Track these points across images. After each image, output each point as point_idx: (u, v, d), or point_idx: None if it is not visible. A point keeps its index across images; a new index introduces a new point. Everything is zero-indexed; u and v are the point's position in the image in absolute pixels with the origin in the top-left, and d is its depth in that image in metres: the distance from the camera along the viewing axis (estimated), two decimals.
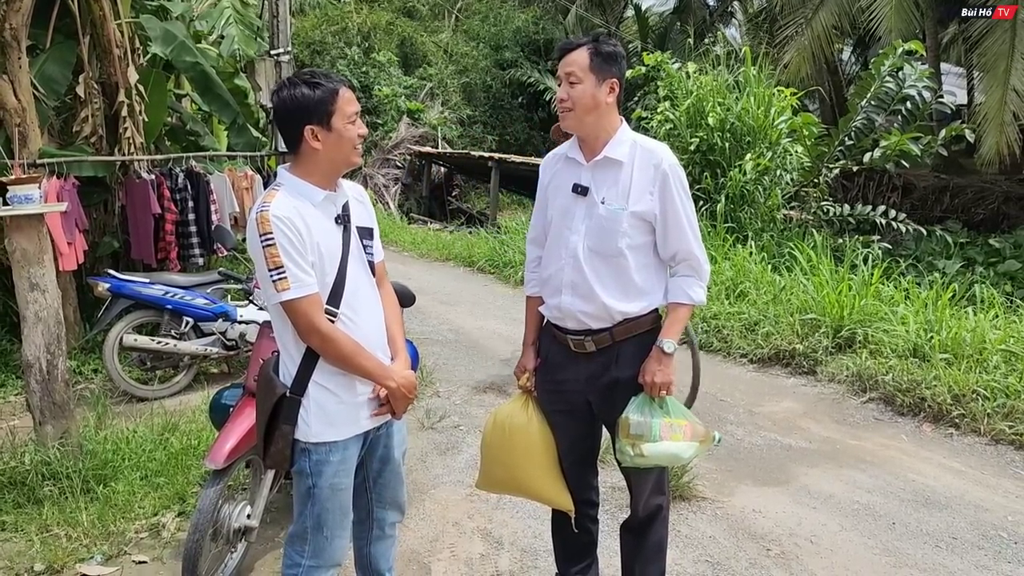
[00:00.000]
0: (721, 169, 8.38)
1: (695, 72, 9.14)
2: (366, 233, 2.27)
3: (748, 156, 8.07)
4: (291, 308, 2.05)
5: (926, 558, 3.21)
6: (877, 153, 8.29)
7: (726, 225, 7.92)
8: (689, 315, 2.42)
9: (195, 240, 6.41)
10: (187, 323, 5.30)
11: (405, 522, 2.85)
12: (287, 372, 2.16)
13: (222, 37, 7.42)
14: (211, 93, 6.69)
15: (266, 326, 3.01)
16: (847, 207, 8.37)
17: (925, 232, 8.85)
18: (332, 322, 2.09)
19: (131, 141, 6.09)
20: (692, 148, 8.38)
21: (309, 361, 2.12)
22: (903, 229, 8.18)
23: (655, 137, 4.93)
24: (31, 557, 3.15)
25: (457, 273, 10.28)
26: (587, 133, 2.34)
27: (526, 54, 19.54)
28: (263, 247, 2.02)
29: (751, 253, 7.46)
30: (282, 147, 7.22)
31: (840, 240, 8.05)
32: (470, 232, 12.70)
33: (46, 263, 3.69)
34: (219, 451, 2.73)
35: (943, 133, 8.35)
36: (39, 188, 3.86)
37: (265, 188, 6.83)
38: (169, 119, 7.17)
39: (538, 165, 2.70)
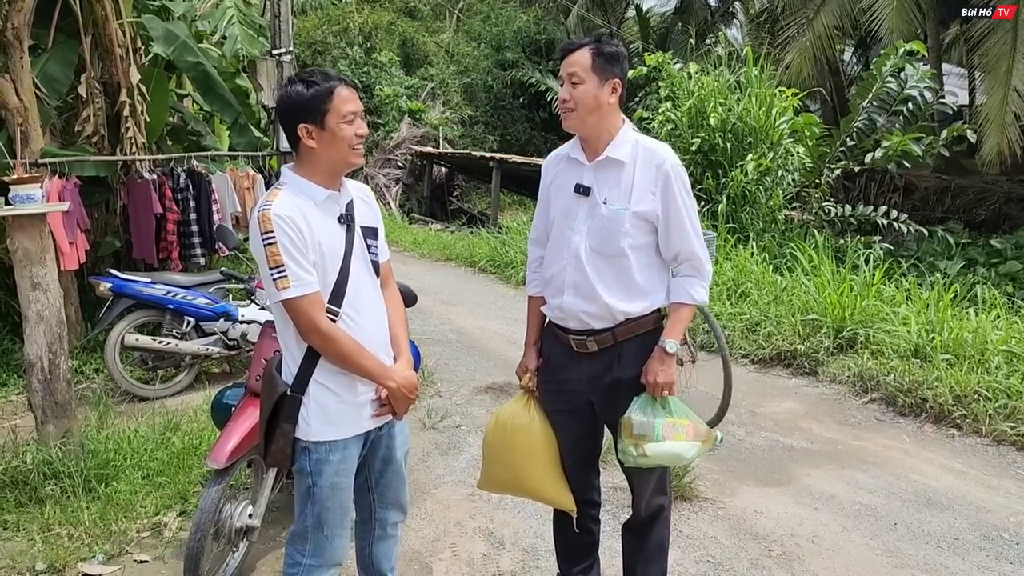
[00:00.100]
0: (723, 169, 8.38)
1: (696, 72, 9.15)
2: (370, 233, 2.26)
3: (749, 156, 8.07)
4: (291, 307, 2.05)
5: (928, 559, 3.20)
6: (879, 153, 8.30)
7: (727, 225, 7.92)
8: (691, 315, 2.42)
9: (197, 240, 6.42)
10: (188, 323, 5.31)
11: (407, 522, 2.85)
12: (289, 371, 2.17)
13: (224, 38, 7.42)
14: (213, 93, 6.70)
15: (268, 326, 3.01)
16: (848, 208, 8.38)
17: (926, 233, 8.85)
18: (334, 321, 2.10)
19: (133, 141, 6.09)
20: (694, 148, 8.38)
21: (310, 360, 2.13)
22: (904, 230, 8.18)
23: (657, 137, 4.93)
24: (33, 556, 3.15)
25: (458, 273, 10.29)
26: (589, 133, 2.34)
27: (527, 54, 19.54)
28: (264, 245, 2.03)
29: (752, 254, 7.46)
30: (283, 147, 7.23)
31: (841, 241, 8.06)
32: (471, 232, 12.70)
33: (48, 262, 3.70)
34: (221, 451, 2.73)
35: (944, 134, 8.36)
36: (41, 188, 3.86)
37: (267, 188, 6.85)
38: (171, 119, 7.18)
39: (539, 165, 2.70)
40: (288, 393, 2.14)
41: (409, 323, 2.47)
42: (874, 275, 6.32)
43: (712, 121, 8.27)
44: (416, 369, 2.60)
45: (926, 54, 9.46)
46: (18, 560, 3.13)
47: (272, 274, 2.03)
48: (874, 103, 8.60)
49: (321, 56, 18.55)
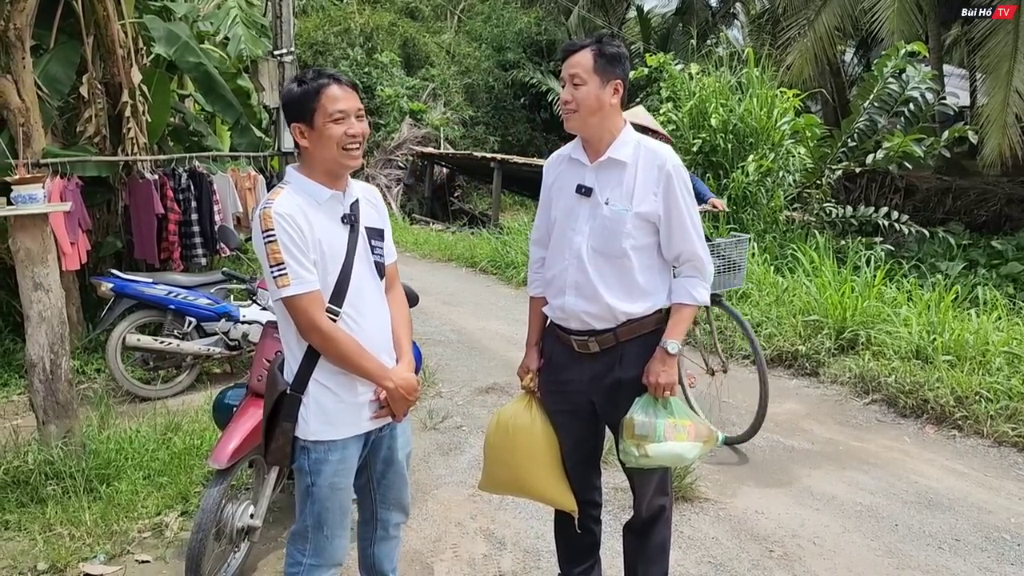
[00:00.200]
0: (724, 170, 8.37)
1: (698, 73, 9.15)
2: (375, 234, 2.26)
3: (751, 157, 8.06)
4: (291, 305, 2.06)
5: (929, 560, 3.20)
6: (880, 155, 8.28)
7: (728, 226, 7.91)
8: (693, 315, 2.42)
9: (198, 240, 6.42)
10: (190, 323, 5.31)
11: (408, 522, 2.86)
12: (290, 369, 2.18)
13: (227, 39, 7.42)
14: (214, 93, 6.70)
15: (269, 326, 3.02)
16: (849, 208, 8.36)
17: (927, 234, 8.83)
18: (334, 321, 2.10)
19: (134, 141, 6.09)
20: (695, 149, 8.38)
21: (310, 359, 2.13)
22: (905, 231, 8.17)
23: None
24: (34, 556, 3.15)
25: (459, 274, 10.29)
26: (591, 134, 2.34)
27: (528, 55, 19.56)
28: (265, 243, 2.04)
29: (753, 254, 7.45)
30: (284, 147, 7.24)
31: (843, 242, 8.05)
32: (472, 233, 12.70)
33: (50, 263, 3.70)
34: (222, 451, 2.73)
35: (946, 135, 8.34)
36: (43, 188, 3.86)
37: (268, 188, 6.87)
38: (172, 119, 7.18)
39: (540, 166, 2.71)
40: (288, 392, 2.15)
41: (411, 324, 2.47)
42: (875, 276, 6.32)
43: (713, 122, 8.27)
44: (417, 371, 2.60)
45: (927, 55, 9.45)
46: (19, 560, 3.14)
47: (272, 272, 2.04)
48: (875, 104, 8.58)
49: (322, 57, 18.56)
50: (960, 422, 4.54)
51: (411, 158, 16.71)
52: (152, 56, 6.60)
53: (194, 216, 6.39)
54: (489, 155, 14.76)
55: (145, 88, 6.23)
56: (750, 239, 4.86)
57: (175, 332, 5.27)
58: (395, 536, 2.54)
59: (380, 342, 2.24)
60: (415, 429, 4.51)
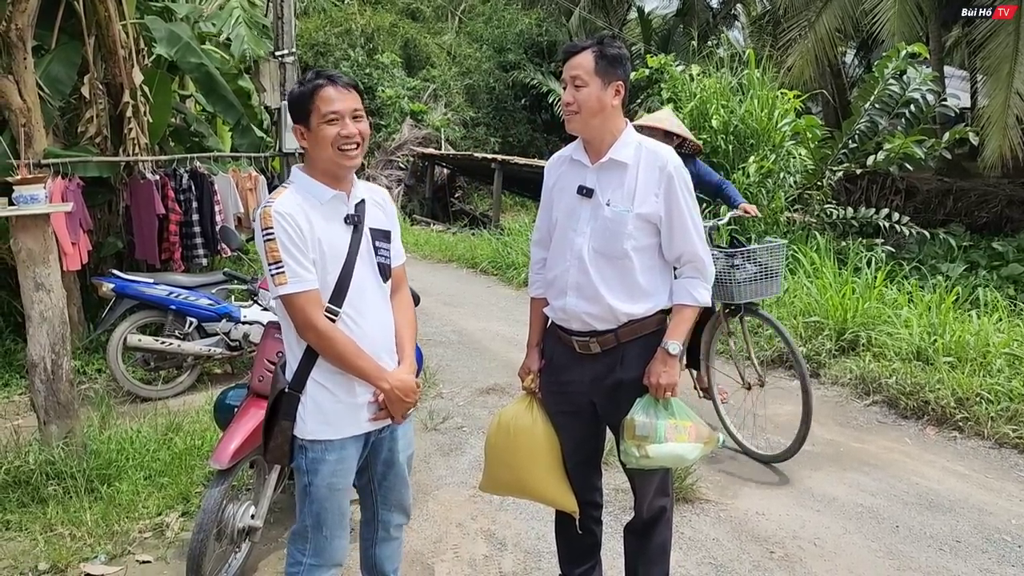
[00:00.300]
0: (724, 172, 8.36)
1: (698, 74, 9.14)
2: (380, 235, 2.26)
3: (751, 159, 8.06)
4: (288, 303, 2.07)
5: (930, 561, 3.20)
6: (880, 156, 8.28)
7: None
8: (695, 316, 2.42)
9: (199, 241, 6.43)
10: (191, 323, 5.32)
11: (409, 523, 2.86)
12: (290, 368, 2.19)
13: (230, 39, 7.43)
14: (215, 94, 6.71)
15: (271, 327, 3.02)
16: (850, 210, 8.36)
17: (928, 235, 8.84)
18: (333, 321, 2.10)
19: (135, 142, 6.10)
20: None
21: (309, 359, 2.14)
22: (906, 232, 8.17)
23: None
24: (35, 556, 3.16)
25: (460, 275, 10.29)
26: (593, 136, 2.34)
27: (529, 56, 19.57)
28: (264, 241, 2.06)
29: None
30: (286, 148, 7.24)
31: (843, 243, 8.04)
32: (473, 234, 12.71)
33: (51, 263, 3.71)
34: (223, 451, 2.73)
35: (947, 136, 8.34)
36: (44, 188, 3.87)
37: (270, 189, 6.87)
38: (173, 120, 7.19)
39: (541, 167, 2.72)
40: (286, 390, 2.16)
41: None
42: (876, 277, 6.32)
43: (714, 123, 8.27)
44: (418, 372, 2.60)
45: (928, 56, 9.44)
46: (20, 560, 3.14)
47: (271, 270, 2.06)
48: (876, 105, 8.58)
49: (323, 58, 18.58)
50: (961, 423, 4.54)
51: (412, 159, 16.72)
52: (153, 57, 6.61)
53: (195, 216, 6.39)
54: (490, 156, 14.78)
55: (146, 89, 6.24)
56: (786, 244, 4.66)
57: (176, 332, 5.28)
58: (397, 537, 2.54)
59: (381, 343, 2.24)
60: (416, 430, 4.51)
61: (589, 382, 2.42)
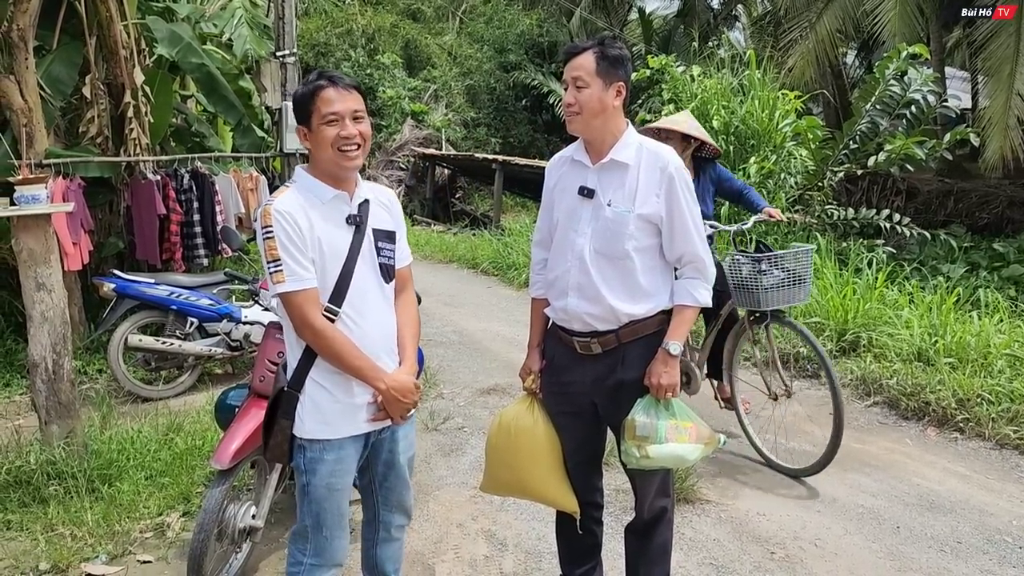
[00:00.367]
0: None
1: (699, 75, 9.15)
2: (383, 236, 2.26)
3: (752, 159, 8.07)
4: (286, 301, 2.09)
5: (931, 562, 3.20)
6: (881, 157, 8.28)
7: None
8: (695, 317, 2.42)
9: (200, 241, 6.43)
10: (192, 324, 5.32)
11: (410, 523, 2.86)
12: (290, 367, 2.19)
13: (231, 40, 7.43)
14: (216, 94, 6.71)
15: (272, 327, 3.02)
16: (851, 211, 8.36)
17: (929, 236, 8.83)
18: (332, 321, 2.10)
19: (137, 142, 6.10)
20: None
21: (308, 358, 2.15)
22: (907, 233, 8.16)
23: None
24: (36, 556, 3.16)
25: (461, 275, 10.29)
26: (594, 136, 2.35)
27: (530, 57, 19.57)
28: (264, 240, 2.07)
29: None
30: (286, 148, 7.24)
31: (844, 244, 8.04)
32: (473, 234, 12.71)
33: (52, 263, 3.71)
34: (224, 451, 2.73)
35: (947, 137, 8.33)
36: (45, 188, 3.87)
37: (271, 189, 6.87)
38: (174, 120, 7.20)
39: (542, 167, 2.72)
40: (285, 389, 2.16)
41: None
42: (877, 278, 6.32)
43: (715, 124, 8.27)
44: (419, 373, 2.60)
45: (929, 57, 9.44)
46: (21, 560, 3.14)
47: (269, 268, 2.07)
48: (877, 106, 8.57)
49: (324, 58, 18.60)
50: (962, 424, 4.54)
51: (412, 159, 16.72)
52: (154, 57, 6.61)
53: (196, 217, 6.40)
54: (490, 156, 14.77)
55: (147, 89, 6.24)
56: (814, 250, 4.63)
57: (177, 333, 5.28)
58: (398, 538, 2.54)
59: (381, 344, 2.23)
60: (416, 430, 4.50)
61: (590, 383, 2.42)
